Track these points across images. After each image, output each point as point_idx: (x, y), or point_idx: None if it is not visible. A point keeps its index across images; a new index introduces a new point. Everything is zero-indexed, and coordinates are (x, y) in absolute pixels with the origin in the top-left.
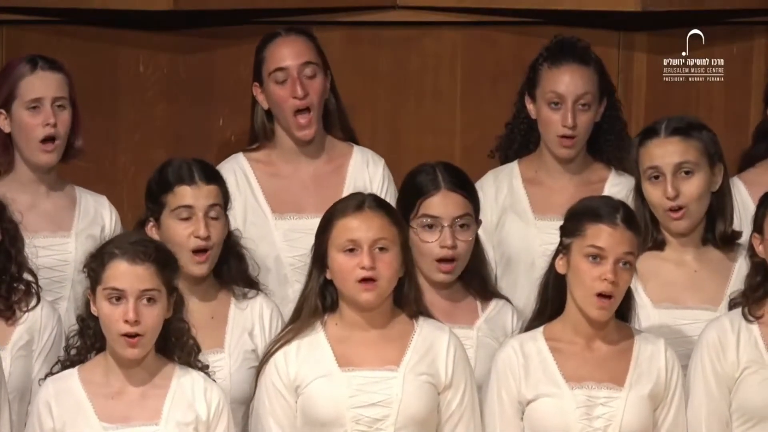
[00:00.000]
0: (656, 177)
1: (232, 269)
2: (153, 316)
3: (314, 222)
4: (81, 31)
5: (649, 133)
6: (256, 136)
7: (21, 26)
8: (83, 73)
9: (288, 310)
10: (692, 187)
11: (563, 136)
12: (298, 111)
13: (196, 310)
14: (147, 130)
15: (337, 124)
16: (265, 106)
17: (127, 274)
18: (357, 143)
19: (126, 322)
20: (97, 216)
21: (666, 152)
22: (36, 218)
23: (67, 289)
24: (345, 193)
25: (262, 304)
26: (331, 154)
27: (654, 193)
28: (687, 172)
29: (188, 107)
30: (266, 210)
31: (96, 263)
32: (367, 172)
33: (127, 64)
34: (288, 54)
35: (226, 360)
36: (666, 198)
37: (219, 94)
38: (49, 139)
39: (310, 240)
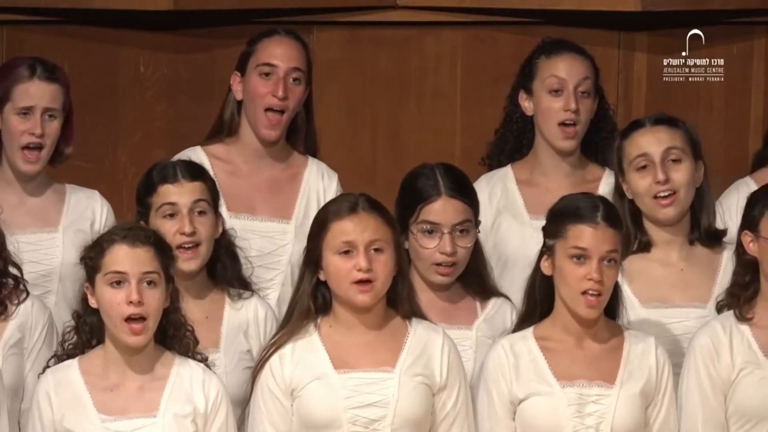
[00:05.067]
0: (644, 166)
1: (226, 268)
2: (155, 299)
3: (266, 225)
4: (81, 31)
5: (633, 125)
6: (221, 127)
7: (21, 26)
8: (83, 73)
9: None
10: (681, 174)
11: (565, 124)
12: (271, 109)
13: (191, 309)
14: (147, 130)
15: (302, 139)
16: (239, 96)
17: (128, 256)
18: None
19: (130, 303)
20: (86, 210)
21: (654, 139)
22: (23, 216)
23: (55, 283)
24: (299, 201)
25: (256, 304)
26: (289, 162)
27: (642, 183)
28: (675, 160)
29: (188, 107)
30: (222, 207)
31: (94, 251)
32: (322, 183)
33: (127, 64)
34: (281, 53)
35: (222, 360)
36: (656, 183)
37: (219, 94)
38: (33, 147)
39: (261, 241)
